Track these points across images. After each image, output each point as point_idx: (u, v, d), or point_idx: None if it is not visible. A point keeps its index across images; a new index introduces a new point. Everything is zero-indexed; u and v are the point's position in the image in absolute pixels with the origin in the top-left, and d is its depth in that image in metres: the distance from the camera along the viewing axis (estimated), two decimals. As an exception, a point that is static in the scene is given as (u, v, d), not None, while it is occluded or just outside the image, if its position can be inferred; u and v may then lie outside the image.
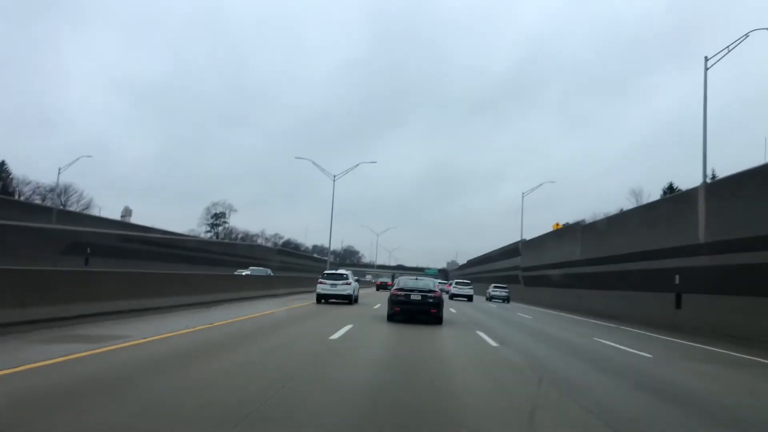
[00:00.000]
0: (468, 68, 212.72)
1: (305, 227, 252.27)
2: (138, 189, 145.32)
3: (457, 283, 47.91)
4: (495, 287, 51.25)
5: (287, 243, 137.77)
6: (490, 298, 49.84)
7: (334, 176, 55.60)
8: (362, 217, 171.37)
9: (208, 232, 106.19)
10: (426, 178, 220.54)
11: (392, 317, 17.90)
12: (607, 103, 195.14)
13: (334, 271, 29.77)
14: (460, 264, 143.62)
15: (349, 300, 27.37)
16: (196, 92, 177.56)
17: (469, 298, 44.71)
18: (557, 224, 54.25)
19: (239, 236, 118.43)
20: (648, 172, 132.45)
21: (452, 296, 44.46)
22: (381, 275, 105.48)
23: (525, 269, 56.87)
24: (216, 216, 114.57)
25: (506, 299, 49.21)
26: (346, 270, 34.01)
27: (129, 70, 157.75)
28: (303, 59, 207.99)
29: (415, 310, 17.76)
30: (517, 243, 61.79)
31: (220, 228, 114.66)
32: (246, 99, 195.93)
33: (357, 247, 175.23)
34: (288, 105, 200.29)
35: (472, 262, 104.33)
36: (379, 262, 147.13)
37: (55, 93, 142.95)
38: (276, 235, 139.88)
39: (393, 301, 18.01)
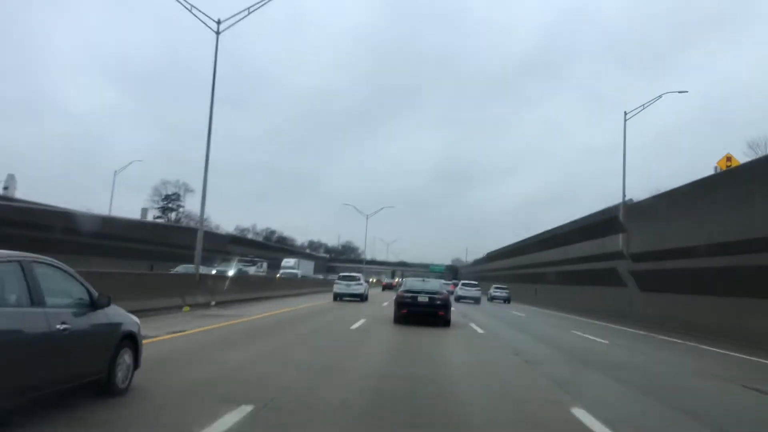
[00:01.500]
0: (489, 41, 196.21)
1: (304, 223, 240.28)
2: (129, 182, 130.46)
3: (463, 285, 45.43)
4: (496, 288, 51.30)
5: (278, 238, 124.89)
6: (492, 299, 49.42)
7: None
8: (366, 211, 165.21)
9: (159, 218, 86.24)
10: (436, 169, 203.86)
11: (399, 320, 17.62)
12: (638, 82, 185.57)
13: (348, 274, 34.50)
14: (465, 261, 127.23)
15: (361, 298, 32.32)
16: (189, 73, 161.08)
17: (476, 300, 42.21)
18: (728, 159, 28.55)
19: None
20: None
21: (458, 298, 41.26)
22: (379, 273, 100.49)
23: (638, 256, 29.06)
24: (168, 198, 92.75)
25: (507, 300, 48.78)
26: (357, 272, 38.57)
27: (118, 51, 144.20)
28: (305, 34, 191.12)
29: (422, 312, 17.43)
30: (613, 209, 33.14)
31: (173, 213, 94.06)
32: (244, 81, 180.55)
33: (356, 243, 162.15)
34: (290, 87, 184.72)
35: (495, 256, 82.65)
36: (379, 258, 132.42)
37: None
38: (267, 229, 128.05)
39: (399, 303, 17.72)
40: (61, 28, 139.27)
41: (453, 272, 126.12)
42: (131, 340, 6.36)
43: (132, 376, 6.36)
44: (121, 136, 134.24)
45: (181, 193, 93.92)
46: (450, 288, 53.15)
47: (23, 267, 4.94)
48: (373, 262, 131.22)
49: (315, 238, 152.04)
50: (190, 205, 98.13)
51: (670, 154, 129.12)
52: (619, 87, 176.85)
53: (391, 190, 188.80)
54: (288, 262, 67.84)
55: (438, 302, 17.51)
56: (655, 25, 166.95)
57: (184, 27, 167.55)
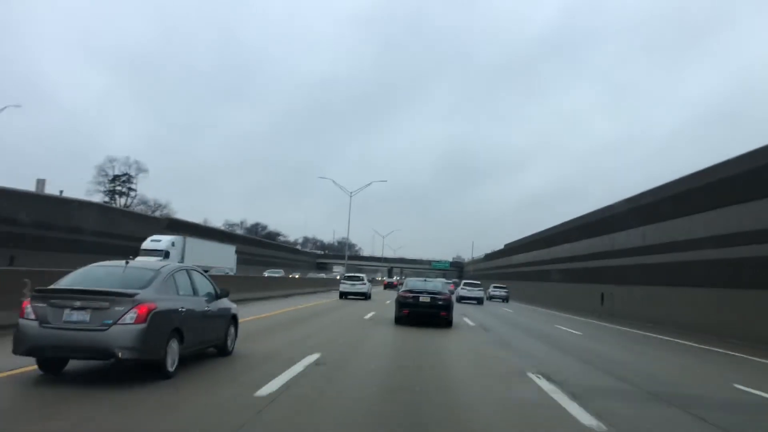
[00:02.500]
0: (502, 23, 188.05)
1: (302, 220, 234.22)
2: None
3: (465, 284, 43.65)
4: (495, 287, 50.84)
5: (266, 233, 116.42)
6: (490, 298, 49.02)
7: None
8: (365, 205, 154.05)
9: (106, 203, 73.02)
10: (440, 163, 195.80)
11: (400, 320, 17.52)
12: (661, 69, 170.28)
13: (353, 274, 37.66)
14: (471, 257, 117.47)
15: (365, 296, 35.18)
16: (183, 61, 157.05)
17: (479, 301, 40.52)
18: None
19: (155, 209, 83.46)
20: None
21: (460, 299, 39.54)
22: (375, 271, 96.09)
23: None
24: (117, 179, 79.84)
25: (505, 299, 48.80)
26: (360, 273, 41.91)
27: (110, 39, 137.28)
28: (305, 16, 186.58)
29: (424, 313, 17.31)
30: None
31: (124, 198, 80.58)
32: (240, 69, 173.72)
33: (354, 240, 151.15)
34: (289, 75, 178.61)
35: (513, 248, 68.81)
36: (376, 254, 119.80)
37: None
38: (258, 224, 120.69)
39: (401, 303, 17.57)
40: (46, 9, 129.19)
41: (458, 269, 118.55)
42: (234, 320, 9.63)
43: (234, 343, 9.61)
44: (108, 124, 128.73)
45: (133, 173, 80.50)
46: (449, 287, 52.72)
47: (188, 272, 8.23)
48: (369, 258, 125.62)
49: (310, 235, 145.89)
50: (145, 188, 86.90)
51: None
52: (640, 74, 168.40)
53: (394, 185, 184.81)
54: (155, 242, 41.12)
55: (440, 302, 17.34)
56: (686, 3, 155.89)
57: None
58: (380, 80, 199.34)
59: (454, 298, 31.31)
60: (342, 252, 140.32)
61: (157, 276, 7.38)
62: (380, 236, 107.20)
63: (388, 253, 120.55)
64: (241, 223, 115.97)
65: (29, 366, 7.26)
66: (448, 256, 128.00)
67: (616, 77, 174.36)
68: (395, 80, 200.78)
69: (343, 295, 35.15)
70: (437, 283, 18.99)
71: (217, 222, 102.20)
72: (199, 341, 8.23)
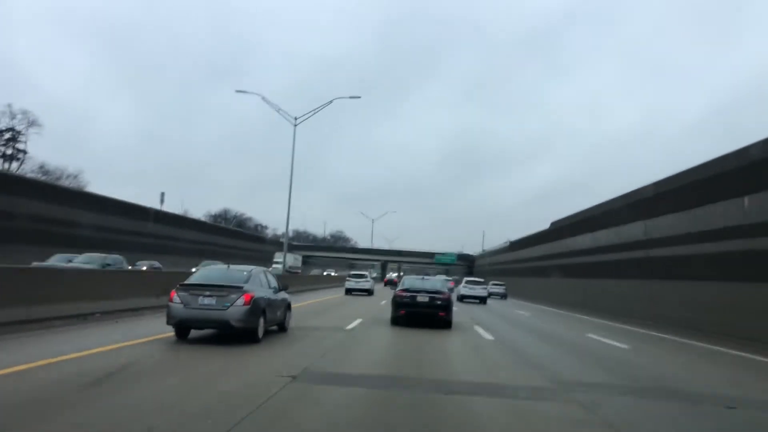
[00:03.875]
0: None
1: (299, 214, 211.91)
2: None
3: (467, 283, 41.01)
4: (494, 284, 50.67)
5: (239, 224, 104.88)
6: (489, 295, 45.12)
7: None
8: (366, 201, 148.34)
9: None
10: (447, 153, 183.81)
11: (397, 320, 16.90)
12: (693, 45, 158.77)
13: (358, 273, 41.71)
14: (482, 250, 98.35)
15: (369, 292, 39.15)
16: (172, 39, 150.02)
17: (482, 300, 38.01)
18: None
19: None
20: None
21: (462, 298, 37.77)
22: (365, 267, 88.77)
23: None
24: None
25: (503, 296, 48.63)
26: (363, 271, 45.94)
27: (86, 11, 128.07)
28: None
29: (422, 313, 16.70)
30: None
31: (12, 163, 61.91)
32: (233, 47, 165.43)
33: (348, 234, 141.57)
34: (283, 54, 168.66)
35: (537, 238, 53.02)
36: (375, 247, 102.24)
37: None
38: (226, 211, 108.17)
39: (397, 303, 16.92)
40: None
41: (467, 264, 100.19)
42: (289, 307, 13.58)
43: (289, 323, 13.57)
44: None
45: (23, 129, 61.21)
46: (450, 284, 48.98)
47: (264, 272, 12.19)
48: (351, 249, 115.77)
49: (302, 228, 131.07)
50: (40, 148, 69.99)
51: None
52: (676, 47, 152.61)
53: (397, 178, 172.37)
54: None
55: (439, 302, 16.68)
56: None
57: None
58: (385, 61, 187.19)
59: (454, 296, 30.92)
60: (335, 245, 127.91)
61: (250, 275, 11.34)
62: (368, 219, 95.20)
63: (383, 246, 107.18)
64: (224, 212, 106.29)
65: (169, 333, 11.18)
66: (454, 251, 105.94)
67: (642, 53, 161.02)
68: (399, 61, 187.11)
69: (349, 291, 39.07)
70: (436, 282, 18.51)
71: (197, 213, 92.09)
72: (271, 320, 12.14)
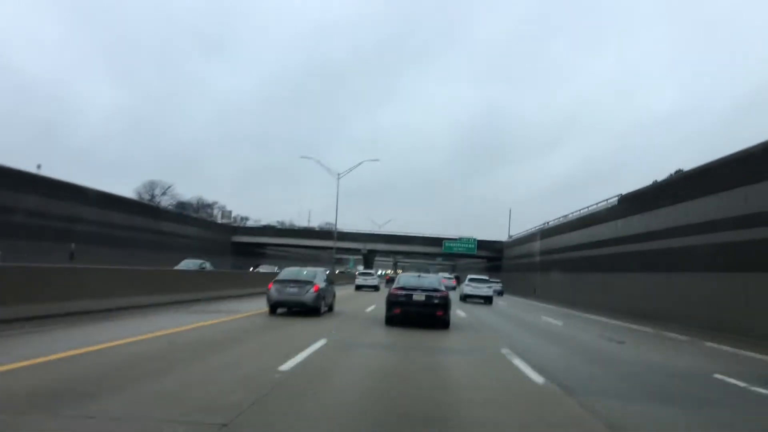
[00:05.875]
0: None
1: (297, 208, 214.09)
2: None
3: (470, 280, 37.09)
4: (491, 282, 44.62)
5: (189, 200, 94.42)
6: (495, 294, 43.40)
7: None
8: (367, 196, 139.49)
9: None
10: (462, 139, 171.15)
11: (391, 320, 16.24)
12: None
13: (366, 271, 48.29)
14: (509, 237, 72.71)
15: (376, 288, 45.65)
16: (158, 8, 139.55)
17: (488, 300, 35.03)
18: None
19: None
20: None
21: (465, 297, 35.22)
22: (346, 260, 79.70)
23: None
24: None
25: (500, 293, 49.10)
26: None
27: None
28: None
29: (418, 312, 16.03)
30: None
31: None
32: (227, 18, 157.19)
33: (347, 229, 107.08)
34: (278, 25, 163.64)
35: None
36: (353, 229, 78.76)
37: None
38: (172, 186, 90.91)
39: (392, 302, 16.19)
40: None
41: (494, 253, 73.49)
42: (334, 295, 20.09)
43: (334, 307, 20.07)
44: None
45: None
46: (452, 282, 50.71)
47: (324, 271, 18.86)
48: (313, 233, 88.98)
49: (286, 219, 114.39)
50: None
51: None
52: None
53: (402, 169, 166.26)
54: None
55: (436, 301, 15.93)
56: None
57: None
58: (390, 31, 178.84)
59: (457, 295, 34.06)
60: (292, 228, 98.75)
61: (317, 273, 17.89)
62: (333, 174, 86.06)
63: (367, 229, 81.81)
64: (198, 200, 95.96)
65: (264, 309, 17.71)
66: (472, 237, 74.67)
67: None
68: (408, 30, 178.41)
69: (358, 288, 45.35)
70: (433, 279, 17.45)
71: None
72: (326, 303, 18.53)
